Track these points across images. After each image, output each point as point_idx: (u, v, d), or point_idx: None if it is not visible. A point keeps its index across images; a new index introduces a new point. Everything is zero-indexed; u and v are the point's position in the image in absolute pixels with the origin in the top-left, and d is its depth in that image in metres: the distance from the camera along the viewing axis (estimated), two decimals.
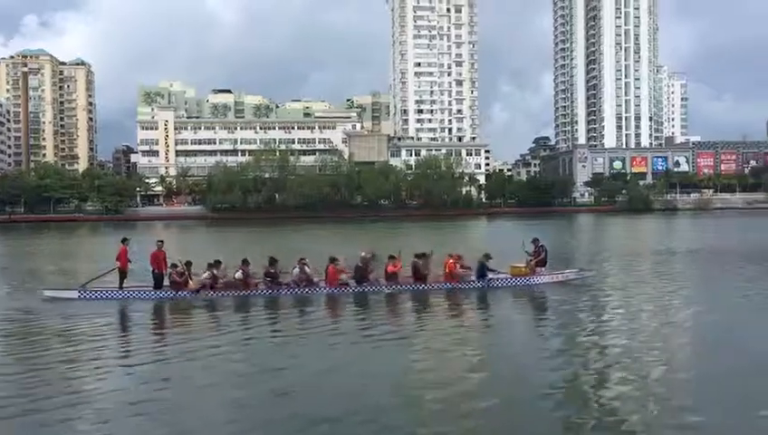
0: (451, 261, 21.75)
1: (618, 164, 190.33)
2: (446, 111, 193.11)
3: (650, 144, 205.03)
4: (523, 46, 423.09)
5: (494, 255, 22.81)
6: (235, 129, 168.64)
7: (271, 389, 11.00)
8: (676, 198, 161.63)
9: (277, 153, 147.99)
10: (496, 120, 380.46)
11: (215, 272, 20.87)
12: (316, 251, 25.84)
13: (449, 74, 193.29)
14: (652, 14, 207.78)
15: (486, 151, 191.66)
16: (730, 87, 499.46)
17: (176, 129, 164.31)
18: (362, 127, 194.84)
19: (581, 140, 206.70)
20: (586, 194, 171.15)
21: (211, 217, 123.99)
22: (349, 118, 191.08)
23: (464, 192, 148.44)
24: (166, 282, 21.06)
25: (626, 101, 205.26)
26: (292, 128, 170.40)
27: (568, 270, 24.25)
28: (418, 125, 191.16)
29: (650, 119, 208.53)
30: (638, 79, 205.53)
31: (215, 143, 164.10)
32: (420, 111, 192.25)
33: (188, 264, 21.24)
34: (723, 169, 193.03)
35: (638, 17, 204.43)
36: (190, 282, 20.69)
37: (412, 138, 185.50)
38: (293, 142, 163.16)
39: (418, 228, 79.51)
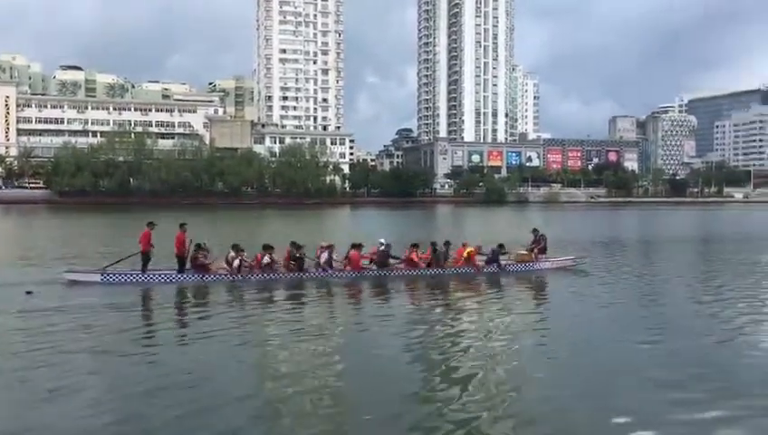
0: (470, 249, 22.92)
1: (476, 157, 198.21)
2: (312, 100, 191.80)
3: (506, 139, 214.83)
4: (388, 38, 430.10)
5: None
6: (86, 108, 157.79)
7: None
8: (528, 191, 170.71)
9: (132, 136, 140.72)
10: (361, 110, 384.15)
11: (242, 256, 20.57)
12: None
13: (315, 62, 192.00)
14: (509, 15, 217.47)
15: (351, 141, 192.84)
16: (577, 88, 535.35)
17: (18, 105, 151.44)
18: (225, 112, 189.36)
19: (443, 133, 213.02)
20: (446, 185, 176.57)
21: (58, 201, 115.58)
22: (211, 102, 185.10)
23: (328, 181, 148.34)
24: (187, 265, 20.62)
25: (484, 97, 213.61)
26: (150, 110, 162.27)
27: (567, 257, 25.44)
28: (283, 112, 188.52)
29: (506, 115, 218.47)
30: (496, 77, 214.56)
31: (62, 123, 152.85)
32: (285, 99, 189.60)
33: (199, 247, 20.79)
34: (570, 164, 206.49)
35: (497, 17, 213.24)
36: (211, 265, 20.64)
37: (276, 125, 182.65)
38: (150, 125, 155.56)
39: (280, 217, 78.39)
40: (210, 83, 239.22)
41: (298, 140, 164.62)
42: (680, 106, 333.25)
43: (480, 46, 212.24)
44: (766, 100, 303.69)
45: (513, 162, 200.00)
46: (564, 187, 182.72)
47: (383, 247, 22.03)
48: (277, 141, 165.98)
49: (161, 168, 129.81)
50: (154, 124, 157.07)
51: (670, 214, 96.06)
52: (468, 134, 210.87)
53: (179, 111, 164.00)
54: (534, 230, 25.17)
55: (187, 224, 21.22)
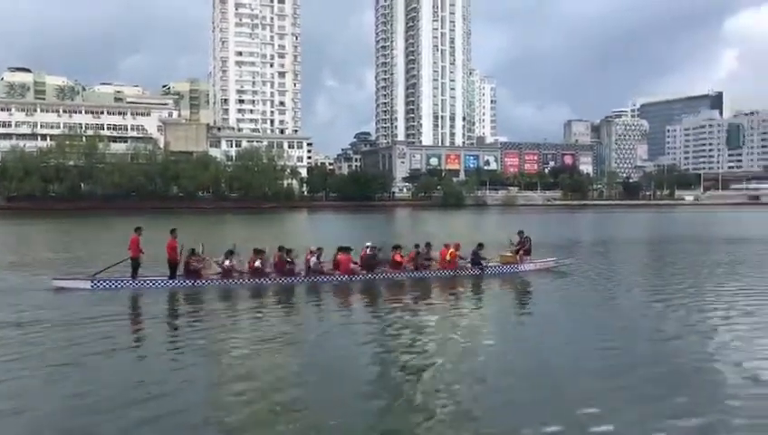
0: (452, 250, 22.95)
1: (434, 161, 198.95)
2: (269, 103, 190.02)
3: (463, 143, 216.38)
4: (347, 42, 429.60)
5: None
6: (35, 111, 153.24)
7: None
8: (486, 194, 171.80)
9: (84, 139, 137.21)
10: (320, 113, 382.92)
11: (231, 261, 20.75)
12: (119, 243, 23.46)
13: (272, 65, 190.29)
14: (466, 19, 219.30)
15: (309, 145, 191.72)
16: (533, 92, 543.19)
17: None
18: (179, 115, 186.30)
19: (401, 136, 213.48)
20: (404, 189, 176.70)
21: (5, 206, 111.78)
22: (165, 105, 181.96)
23: (285, 185, 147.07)
24: (179, 271, 20.53)
25: (442, 100, 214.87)
26: (101, 113, 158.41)
27: (549, 259, 25.71)
28: (240, 115, 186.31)
29: (464, 119, 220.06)
30: (453, 80, 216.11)
31: (10, 126, 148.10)
32: (242, 102, 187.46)
33: (192, 252, 20.71)
34: (526, 168, 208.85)
35: (453, 22, 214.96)
36: (203, 270, 20.69)
37: (233, 128, 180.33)
38: (102, 128, 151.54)
39: (237, 221, 77.18)
40: (164, 86, 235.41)
41: (255, 143, 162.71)
42: (633, 110, 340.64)
43: (437, 50, 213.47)
44: (715, 105, 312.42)
45: (471, 166, 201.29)
46: (521, 190, 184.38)
47: (370, 251, 22.30)
48: (234, 145, 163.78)
49: (114, 172, 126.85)
50: (106, 127, 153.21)
51: (625, 216, 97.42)
52: (426, 138, 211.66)
53: (132, 113, 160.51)
54: (520, 232, 25.40)
55: (177, 229, 21.17)
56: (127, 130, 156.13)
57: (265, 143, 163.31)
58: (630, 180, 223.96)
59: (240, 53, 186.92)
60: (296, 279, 21.01)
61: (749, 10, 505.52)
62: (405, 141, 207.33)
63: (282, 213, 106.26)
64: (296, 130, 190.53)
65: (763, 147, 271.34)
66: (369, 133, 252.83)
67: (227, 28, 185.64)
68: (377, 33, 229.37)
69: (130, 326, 15.61)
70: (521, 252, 24.38)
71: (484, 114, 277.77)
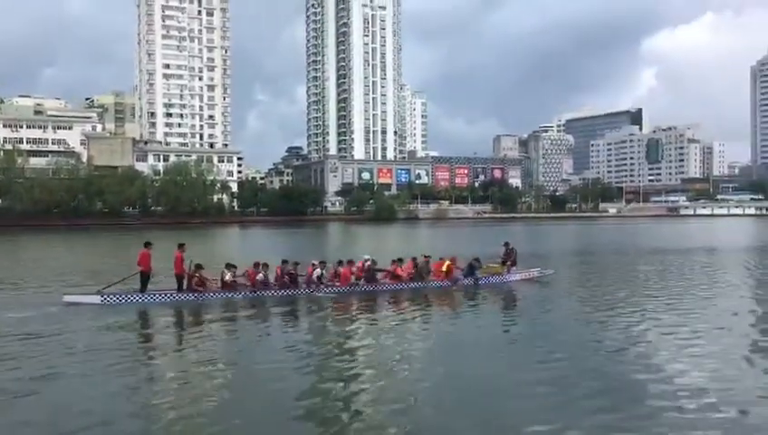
0: (448, 263, 23.96)
1: (366, 175, 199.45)
2: (198, 117, 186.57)
3: (395, 157, 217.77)
4: (279, 56, 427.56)
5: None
6: None
7: None
8: (418, 208, 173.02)
9: (1, 153, 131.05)
10: (251, 127, 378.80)
11: (233, 274, 21.28)
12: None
13: (201, 78, 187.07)
14: (396, 34, 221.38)
15: (239, 159, 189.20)
16: (463, 107, 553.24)
17: None
18: (104, 129, 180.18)
19: (333, 150, 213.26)
20: (337, 203, 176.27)
21: None
22: (88, 118, 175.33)
23: (215, 200, 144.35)
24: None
25: (373, 115, 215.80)
26: (20, 126, 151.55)
27: (533, 269, 26.87)
28: (167, 129, 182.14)
29: (395, 133, 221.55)
30: (385, 95, 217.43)
31: None
32: (170, 115, 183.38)
33: (199, 266, 21.03)
34: (457, 182, 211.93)
35: (384, 37, 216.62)
36: (208, 283, 21.00)
37: (160, 142, 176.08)
38: (21, 142, 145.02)
39: (164, 238, 74.93)
40: (88, 99, 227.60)
41: (183, 157, 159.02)
42: (559, 126, 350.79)
43: (368, 65, 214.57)
44: (636, 120, 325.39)
45: (403, 180, 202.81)
46: (452, 203, 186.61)
47: (369, 263, 23.17)
48: (161, 159, 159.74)
49: (34, 187, 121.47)
50: (25, 141, 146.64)
51: (554, 228, 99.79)
52: (358, 152, 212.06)
53: (54, 127, 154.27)
54: (506, 244, 26.48)
55: (186, 244, 21.55)
56: (47, 144, 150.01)
57: (194, 157, 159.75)
58: (557, 193, 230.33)
59: (167, 66, 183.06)
60: (299, 291, 21.62)
61: (665, 31, 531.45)
62: (337, 156, 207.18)
63: (212, 228, 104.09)
64: (226, 145, 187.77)
65: (679, 161, 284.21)
66: (300, 148, 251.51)
67: (154, 40, 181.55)
68: (308, 48, 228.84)
69: (137, 339, 16.03)
70: (508, 263, 25.58)
71: (415, 129, 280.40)
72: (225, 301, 20.34)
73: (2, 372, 12.12)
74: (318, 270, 22.06)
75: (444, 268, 23.80)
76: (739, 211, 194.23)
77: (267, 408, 10.15)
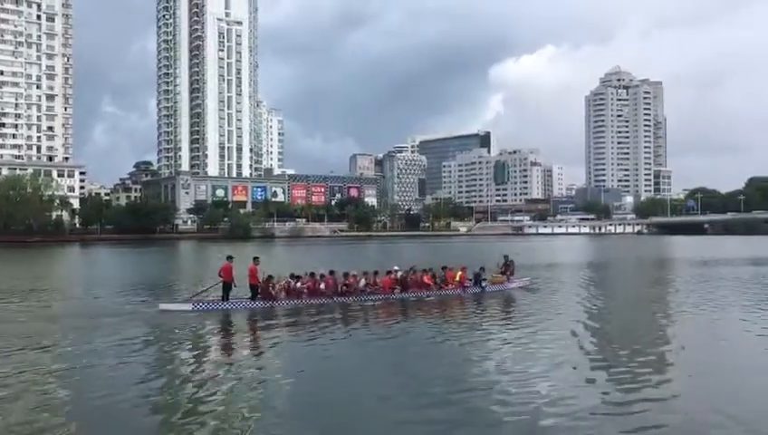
0: (460, 273, 27.59)
1: (220, 192, 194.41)
2: (35, 127, 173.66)
3: (251, 174, 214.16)
4: (129, 66, 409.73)
5: None
6: None
7: None
8: (274, 226, 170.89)
9: None
10: (98, 141, 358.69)
11: (299, 283, 24.04)
12: None
13: (39, 87, 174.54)
14: (253, 51, 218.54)
15: (82, 173, 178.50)
16: (320, 126, 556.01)
17: None
18: None
19: (185, 166, 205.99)
20: (189, 221, 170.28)
21: None
22: None
23: (54, 217, 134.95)
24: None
25: (228, 131, 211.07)
26: None
27: (525, 278, 31.08)
28: (0, 141, 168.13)
29: (251, 150, 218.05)
30: (240, 111, 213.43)
31: None
32: (3, 125, 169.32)
33: (270, 278, 23.54)
34: (314, 200, 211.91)
35: (240, 52, 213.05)
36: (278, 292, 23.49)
37: None
38: None
39: None
40: None
41: (18, 171, 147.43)
42: (413, 146, 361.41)
43: (224, 80, 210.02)
44: (484, 143, 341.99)
45: (259, 197, 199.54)
46: (309, 221, 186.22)
47: (401, 273, 26.54)
48: None
49: None
50: None
51: (408, 246, 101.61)
52: (212, 168, 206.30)
53: None
54: (505, 256, 30.38)
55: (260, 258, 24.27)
56: None
57: (30, 171, 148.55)
58: (411, 212, 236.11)
59: (1, 73, 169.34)
60: (351, 298, 24.47)
61: (510, 59, 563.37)
62: (189, 172, 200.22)
63: (50, 247, 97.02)
64: (67, 158, 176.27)
65: (524, 182, 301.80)
66: (150, 163, 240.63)
67: None
68: (159, 60, 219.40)
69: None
70: (507, 273, 29.31)
71: (271, 146, 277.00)
72: (291, 308, 22.73)
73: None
74: (363, 280, 25.29)
75: (456, 278, 27.23)
76: (576, 230, 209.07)
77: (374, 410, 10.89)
